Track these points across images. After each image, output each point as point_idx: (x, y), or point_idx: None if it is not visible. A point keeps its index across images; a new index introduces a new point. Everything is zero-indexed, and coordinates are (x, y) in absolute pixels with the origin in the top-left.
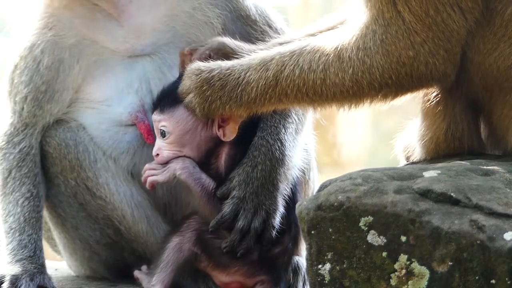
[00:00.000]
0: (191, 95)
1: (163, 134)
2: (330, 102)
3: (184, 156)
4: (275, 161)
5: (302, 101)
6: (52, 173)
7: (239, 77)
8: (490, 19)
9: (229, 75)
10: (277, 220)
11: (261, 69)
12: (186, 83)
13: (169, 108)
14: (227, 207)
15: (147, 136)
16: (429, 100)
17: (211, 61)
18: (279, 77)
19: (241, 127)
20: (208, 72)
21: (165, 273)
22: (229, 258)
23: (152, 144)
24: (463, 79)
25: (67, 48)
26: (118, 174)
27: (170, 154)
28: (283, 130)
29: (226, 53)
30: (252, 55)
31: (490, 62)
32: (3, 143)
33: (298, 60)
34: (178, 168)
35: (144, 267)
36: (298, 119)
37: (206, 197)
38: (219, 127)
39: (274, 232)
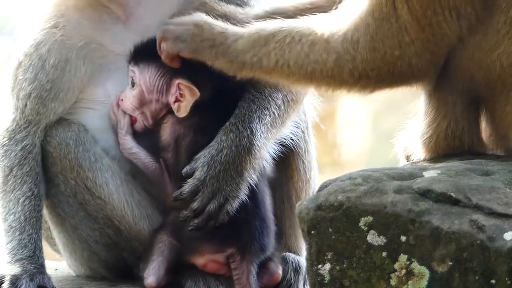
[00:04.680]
0: (190, 26)
1: (132, 84)
2: (307, 80)
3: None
4: (242, 148)
5: (281, 70)
6: (52, 173)
7: (238, 31)
8: (493, 17)
9: (232, 28)
10: (234, 207)
11: (259, 28)
12: (187, 19)
13: (144, 63)
14: (186, 187)
15: None
16: (430, 97)
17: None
18: (269, 40)
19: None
20: (214, 20)
21: (154, 263)
22: (194, 240)
23: None
24: (463, 76)
25: (74, 49)
26: (119, 174)
27: (131, 106)
28: (256, 120)
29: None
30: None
31: (492, 59)
32: (5, 139)
33: (291, 32)
34: (120, 144)
35: (142, 266)
36: (278, 114)
37: (152, 175)
38: (176, 100)
39: (227, 218)
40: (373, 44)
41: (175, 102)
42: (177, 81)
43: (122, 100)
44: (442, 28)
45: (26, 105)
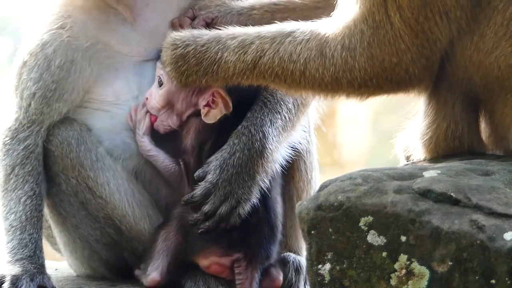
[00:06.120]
0: (168, 68)
1: (159, 83)
2: (306, 91)
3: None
4: (254, 152)
5: (279, 85)
6: (53, 172)
7: (216, 56)
8: (490, 18)
9: (204, 52)
10: (245, 210)
11: (239, 51)
12: (163, 56)
13: None
14: (198, 190)
15: None
16: (429, 98)
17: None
18: (257, 62)
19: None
20: (183, 48)
21: (158, 260)
22: (201, 241)
23: None
24: (462, 78)
25: (81, 50)
26: (121, 174)
27: (157, 105)
28: (268, 123)
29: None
30: (230, 31)
31: (490, 60)
32: (7, 138)
33: (278, 48)
34: (139, 145)
35: (143, 265)
36: (289, 118)
37: (170, 177)
38: (207, 105)
39: (239, 220)
40: (371, 51)
41: (205, 106)
42: (214, 89)
43: (147, 98)
44: (434, 33)
45: (30, 104)
